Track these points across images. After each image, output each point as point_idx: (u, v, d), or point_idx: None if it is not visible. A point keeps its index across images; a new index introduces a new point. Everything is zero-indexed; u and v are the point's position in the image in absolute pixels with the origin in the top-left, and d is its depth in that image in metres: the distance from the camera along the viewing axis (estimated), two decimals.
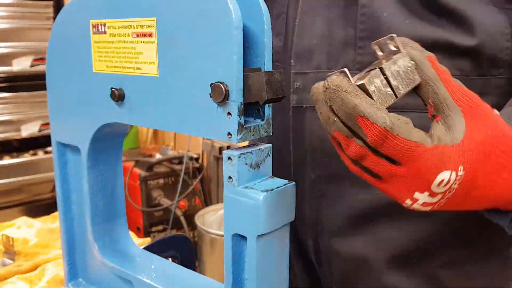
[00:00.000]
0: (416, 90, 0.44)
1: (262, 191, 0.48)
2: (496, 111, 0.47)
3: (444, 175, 0.41)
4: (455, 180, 0.42)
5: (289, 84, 0.70)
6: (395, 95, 0.43)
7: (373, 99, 0.41)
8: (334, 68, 0.65)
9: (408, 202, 0.43)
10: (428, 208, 0.44)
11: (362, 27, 0.62)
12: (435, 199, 0.43)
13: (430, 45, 0.47)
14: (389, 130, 0.40)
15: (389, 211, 0.65)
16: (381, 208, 0.66)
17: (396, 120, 0.41)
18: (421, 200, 0.43)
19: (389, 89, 0.43)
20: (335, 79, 0.42)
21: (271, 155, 0.52)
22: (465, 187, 0.44)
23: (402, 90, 0.43)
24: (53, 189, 2.64)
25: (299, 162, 0.72)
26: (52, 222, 1.31)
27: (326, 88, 0.42)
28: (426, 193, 0.42)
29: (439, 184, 0.42)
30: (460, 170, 0.42)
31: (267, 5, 0.53)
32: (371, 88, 0.42)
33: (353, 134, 0.42)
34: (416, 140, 0.41)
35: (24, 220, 1.31)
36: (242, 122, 0.48)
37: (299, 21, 0.69)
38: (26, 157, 2.74)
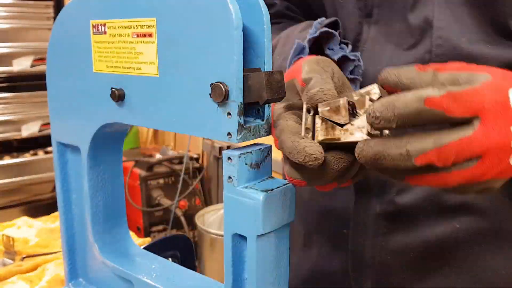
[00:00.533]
0: None
1: (262, 191, 0.48)
2: None
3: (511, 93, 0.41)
4: None
5: None
6: None
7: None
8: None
9: None
10: None
11: (439, 51, 0.60)
12: None
13: None
14: (452, 91, 0.40)
15: (470, 243, 0.63)
16: (461, 240, 0.63)
17: (444, 86, 0.40)
18: None
19: None
20: (378, 103, 0.41)
21: (271, 155, 0.52)
22: None
23: None
24: (53, 189, 2.64)
25: (362, 194, 0.69)
26: (52, 222, 1.31)
27: (379, 115, 0.41)
28: None
29: None
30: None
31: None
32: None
33: (436, 137, 0.41)
34: (470, 86, 0.40)
35: (24, 220, 1.31)
36: (242, 122, 0.48)
37: (367, 48, 0.68)
38: (26, 157, 2.75)
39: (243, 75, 0.47)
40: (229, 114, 0.48)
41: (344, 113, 0.43)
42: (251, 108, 0.51)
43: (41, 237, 1.20)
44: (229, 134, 0.48)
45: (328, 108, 0.44)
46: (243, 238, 0.50)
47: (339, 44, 0.67)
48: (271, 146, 0.52)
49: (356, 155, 0.43)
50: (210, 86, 0.48)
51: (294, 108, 0.52)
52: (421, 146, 0.40)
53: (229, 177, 0.49)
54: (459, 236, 0.64)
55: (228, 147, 2.28)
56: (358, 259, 0.71)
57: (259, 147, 0.51)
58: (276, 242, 0.51)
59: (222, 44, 0.46)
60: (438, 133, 0.41)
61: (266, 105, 0.51)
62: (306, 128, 0.45)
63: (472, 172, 0.42)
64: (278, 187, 0.49)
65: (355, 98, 0.43)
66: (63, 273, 0.79)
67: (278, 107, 0.52)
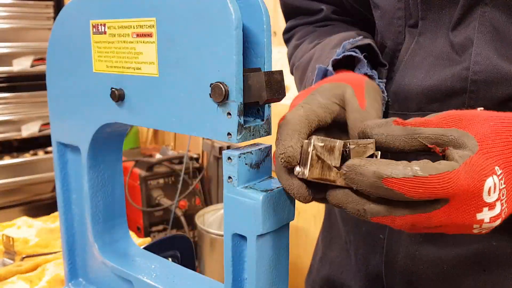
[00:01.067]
0: (413, 150, 0.45)
1: (262, 191, 0.48)
2: (480, 108, 0.49)
3: (489, 183, 0.42)
4: (499, 181, 0.42)
5: None
6: None
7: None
8: (441, 110, 0.59)
9: (476, 226, 0.43)
10: (498, 222, 0.43)
11: (477, 69, 0.58)
12: (496, 209, 0.43)
13: None
14: (419, 177, 0.40)
15: (507, 263, 0.62)
16: (497, 259, 0.63)
17: (417, 164, 0.40)
18: (486, 217, 0.43)
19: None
20: (350, 162, 0.42)
21: (271, 155, 0.52)
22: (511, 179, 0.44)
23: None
24: (53, 189, 2.64)
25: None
26: (52, 222, 1.31)
27: (344, 173, 0.42)
28: (485, 208, 0.42)
29: (489, 193, 0.42)
30: (498, 170, 0.42)
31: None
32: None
33: (391, 208, 0.42)
34: (445, 170, 0.40)
35: (24, 220, 1.31)
36: (242, 122, 0.48)
37: (406, 59, 0.66)
38: (26, 157, 2.75)
39: (243, 75, 0.47)
40: (229, 114, 0.48)
41: (337, 155, 0.43)
42: (251, 108, 0.51)
43: (41, 237, 1.20)
44: (229, 134, 0.48)
45: (322, 144, 0.44)
46: (243, 238, 0.50)
47: (372, 68, 0.66)
48: (271, 146, 0.52)
49: (326, 196, 0.46)
50: (210, 86, 0.48)
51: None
52: (376, 210, 0.43)
53: (229, 177, 0.49)
54: (495, 254, 0.63)
55: (228, 147, 2.29)
56: (391, 265, 0.70)
57: (259, 147, 0.51)
58: (276, 242, 0.51)
59: (222, 44, 0.46)
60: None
61: (266, 105, 0.51)
62: (302, 164, 0.45)
63: (430, 231, 0.45)
64: (278, 187, 0.49)
65: (351, 146, 0.44)
66: (63, 273, 0.79)
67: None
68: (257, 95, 0.47)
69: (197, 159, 2.54)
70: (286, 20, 0.91)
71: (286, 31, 0.90)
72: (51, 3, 2.74)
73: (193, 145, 2.69)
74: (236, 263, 0.51)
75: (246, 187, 0.49)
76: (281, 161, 0.45)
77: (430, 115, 0.46)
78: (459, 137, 0.44)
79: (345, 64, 0.65)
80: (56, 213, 1.33)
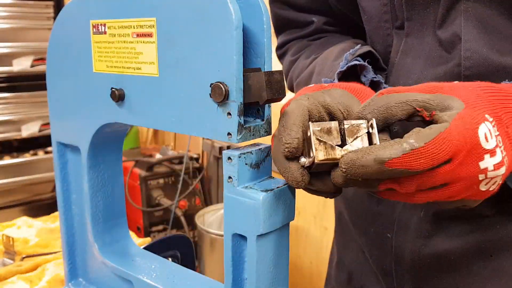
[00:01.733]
0: (403, 119, 0.46)
1: (262, 191, 0.48)
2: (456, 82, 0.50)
3: (483, 129, 0.42)
4: (492, 127, 0.43)
5: None
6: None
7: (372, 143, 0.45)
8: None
9: (482, 177, 0.44)
10: (503, 170, 0.44)
11: (468, 64, 0.59)
12: (498, 156, 0.43)
13: None
14: (416, 149, 0.41)
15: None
16: (500, 241, 0.63)
17: (410, 136, 0.42)
18: (489, 165, 0.43)
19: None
20: (344, 157, 0.43)
21: (270, 155, 0.52)
22: (502, 127, 0.44)
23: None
24: (53, 189, 2.65)
25: None
26: (52, 222, 1.31)
27: (345, 170, 0.43)
28: (487, 156, 0.43)
29: (486, 139, 0.42)
30: (489, 117, 0.43)
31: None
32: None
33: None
34: (438, 131, 0.41)
35: (24, 220, 1.31)
36: (242, 122, 0.48)
37: (398, 61, 0.66)
38: (26, 157, 2.75)
39: (243, 75, 0.47)
40: (229, 114, 0.48)
41: (336, 134, 0.45)
42: (251, 108, 0.51)
43: (41, 237, 1.20)
44: (229, 134, 0.48)
45: (319, 128, 0.45)
46: (243, 238, 0.50)
47: (376, 72, 0.66)
48: (270, 146, 0.52)
49: (331, 177, 0.46)
50: (210, 86, 0.48)
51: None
52: (390, 154, 0.42)
53: (229, 177, 0.49)
54: (501, 240, 0.63)
55: (228, 147, 2.28)
56: (399, 263, 0.71)
57: (259, 147, 0.51)
58: (276, 242, 0.51)
59: (222, 44, 0.46)
60: None
61: (266, 105, 0.51)
62: (308, 151, 0.46)
63: (438, 194, 0.45)
64: (278, 187, 0.49)
65: (346, 125, 0.46)
66: (63, 273, 0.79)
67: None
68: (257, 95, 0.47)
69: (197, 159, 2.54)
70: (277, 34, 0.89)
71: (278, 47, 0.90)
72: (51, 3, 2.74)
73: (193, 145, 2.69)
74: (236, 263, 0.51)
75: (246, 187, 0.49)
76: (284, 151, 0.46)
77: (408, 86, 0.47)
78: (444, 100, 0.45)
79: (348, 74, 0.65)
80: (56, 213, 1.33)
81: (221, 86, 0.47)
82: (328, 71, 0.68)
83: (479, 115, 0.43)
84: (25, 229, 1.27)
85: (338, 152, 0.45)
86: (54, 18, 2.73)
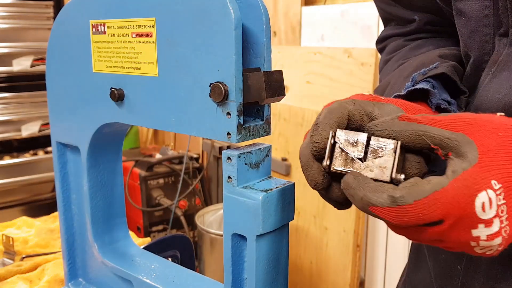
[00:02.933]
0: (417, 148, 0.44)
1: (261, 191, 0.48)
2: (500, 113, 0.45)
3: (482, 198, 0.39)
4: (496, 196, 0.40)
5: None
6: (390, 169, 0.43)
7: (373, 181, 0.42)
8: None
9: (474, 244, 0.41)
10: (498, 240, 0.41)
11: None
12: (495, 227, 0.40)
13: None
14: (403, 205, 0.39)
15: None
16: None
17: (405, 189, 0.40)
18: (482, 235, 0.40)
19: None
20: (344, 177, 0.43)
21: (270, 155, 0.52)
22: None
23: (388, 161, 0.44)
24: (53, 189, 2.64)
25: None
26: (52, 222, 1.31)
27: (342, 187, 0.43)
28: (481, 225, 0.40)
29: (483, 209, 0.39)
30: (495, 184, 0.40)
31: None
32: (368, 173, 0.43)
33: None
34: (432, 191, 0.39)
35: (24, 220, 1.31)
36: (242, 122, 0.48)
37: (494, 72, 0.59)
38: (26, 157, 2.75)
39: (243, 75, 0.47)
40: (228, 114, 0.47)
41: (360, 148, 0.43)
42: (251, 108, 0.51)
43: (40, 237, 1.20)
44: (228, 134, 0.48)
45: (346, 136, 0.44)
46: (243, 238, 0.50)
47: (456, 93, 0.62)
48: (270, 146, 0.52)
49: (342, 181, 0.44)
50: (210, 86, 0.48)
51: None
52: (377, 201, 0.41)
53: (229, 177, 0.49)
54: None
55: (228, 147, 2.29)
56: None
57: (259, 147, 0.51)
58: (275, 242, 0.51)
59: (222, 44, 0.46)
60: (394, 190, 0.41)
61: (266, 105, 0.51)
62: (327, 155, 0.45)
63: (432, 243, 0.43)
64: (277, 187, 0.49)
65: (372, 142, 0.44)
66: (62, 273, 0.79)
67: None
68: (257, 95, 0.47)
69: (197, 159, 2.54)
70: (384, 25, 0.86)
71: (379, 41, 0.86)
72: (51, 3, 2.74)
73: (193, 145, 2.69)
74: (235, 263, 0.51)
75: (246, 187, 0.49)
76: (312, 149, 0.45)
77: (440, 115, 0.44)
78: (462, 144, 0.41)
79: (418, 91, 0.61)
80: (56, 213, 1.33)
81: (221, 86, 0.47)
82: (398, 88, 0.64)
83: (484, 180, 0.39)
84: (25, 229, 1.27)
85: (357, 166, 0.44)
86: (54, 18, 2.73)
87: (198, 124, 0.51)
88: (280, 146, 2.16)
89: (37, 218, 1.34)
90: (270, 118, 0.52)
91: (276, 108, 2.10)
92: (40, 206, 2.77)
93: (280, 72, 0.49)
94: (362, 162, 0.43)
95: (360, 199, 0.41)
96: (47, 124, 2.66)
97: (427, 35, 0.79)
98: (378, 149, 0.43)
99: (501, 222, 0.40)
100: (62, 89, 0.69)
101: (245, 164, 0.49)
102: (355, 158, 0.44)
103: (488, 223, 0.40)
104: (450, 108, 0.60)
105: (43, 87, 0.79)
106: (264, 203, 0.47)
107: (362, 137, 0.44)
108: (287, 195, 0.50)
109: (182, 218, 2.34)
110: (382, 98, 0.51)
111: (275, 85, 0.48)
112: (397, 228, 0.43)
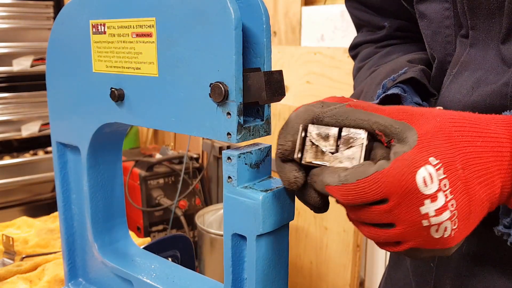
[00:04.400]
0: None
1: (261, 191, 0.48)
2: (439, 107, 0.47)
3: (421, 173, 0.41)
4: (436, 171, 0.41)
5: None
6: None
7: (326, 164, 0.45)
8: None
9: (425, 223, 0.42)
10: (447, 214, 0.42)
11: None
12: (440, 201, 0.41)
13: None
14: (346, 183, 0.42)
15: None
16: None
17: (351, 169, 0.42)
18: (430, 210, 0.41)
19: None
20: (313, 170, 0.46)
21: (270, 155, 0.52)
22: (453, 170, 0.42)
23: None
24: (53, 189, 2.65)
25: None
26: (52, 222, 1.31)
27: (308, 180, 0.47)
28: (427, 201, 0.41)
29: (425, 184, 0.41)
30: (434, 160, 0.41)
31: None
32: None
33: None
34: (373, 171, 0.41)
35: (24, 220, 1.31)
36: (242, 122, 0.48)
37: (456, 72, 0.60)
38: (26, 157, 2.75)
39: (243, 75, 0.47)
40: (228, 114, 0.48)
41: (332, 142, 0.45)
42: (251, 108, 0.51)
43: (40, 237, 1.20)
44: (228, 134, 0.48)
45: (317, 132, 0.45)
46: (243, 238, 0.50)
47: (426, 96, 0.63)
48: (270, 146, 0.52)
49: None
50: (210, 86, 0.48)
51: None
52: (328, 181, 0.44)
53: (229, 177, 0.49)
54: None
55: (228, 147, 2.28)
56: None
57: (259, 147, 0.51)
58: (275, 242, 0.51)
59: (222, 44, 0.46)
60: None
61: (266, 105, 0.51)
62: (298, 148, 0.46)
63: (384, 233, 0.44)
64: (277, 187, 0.49)
65: (343, 133, 0.45)
66: (62, 273, 0.79)
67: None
68: (257, 95, 0.47)
69: (197, 159, 2.54)
70: (356, 32, 0.88)
71: (351, 48, 0.88)
72: (51, 3, 2.74)
73: (193, 145, 2.69)
74: (236, 263, 0.51)
75: (246, 187, 0.49)
76: (277, 152, 0.47)
77: (384, 107, 0.46)
78: (403, 131, 0.43)
79: (393, 96, 0.63)
80: (56, 213, 1.33)
81: (221, 86, 0.47)
82: (370, 96, 0.66)
83: (422, 158, 0.41)
84: (25, 229, 1.27)
85: (327, 158, 0.45)
86: (54, 18, 2.73)
87: (198, 124, 0.51)
88: None
89: (37, 218, 1.34)
90: (270, 118, 0.52)
91: (276, 108, 2.10)
92: (40, 206, 2.77)
93: (280, 72, 0.49)
94: (332, 154, 0.45)
95: (320, 181, 0.44)
96: (47, 124, 2.66)
97: (397, 41, 0.80)
98: (349, 140, 0.45)
99: (446, 196, 0.41)
100: (62, 89, 0.69)
101: (245, 164, 0.49)
102: (325, 151, 0.45)
103: (433, 197, 0.41)
104: None
105: (43, 87, 0.79)
106: (264, 203, 0.47)
107: (333, 131, 0.45)
108: (287, 195, 0.50)
109: (182, 218, 2.34)
110: (354, 100, 0.52)
111: (275, 85, 0.48)
112: (349, 211, 0.45)
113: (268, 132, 0.52)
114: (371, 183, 0.41)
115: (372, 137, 0.45)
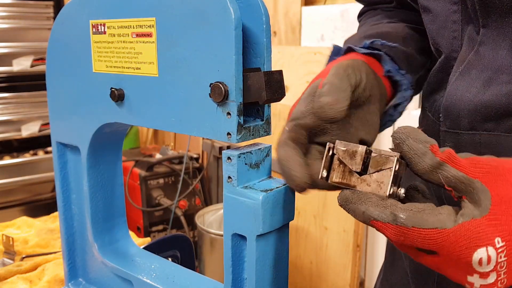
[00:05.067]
0: (430, 181, 0.43)
1: (261, 191, 0.48)
2: None
3: (480, 253, 0.39)
4: (497, 254, 0.39)
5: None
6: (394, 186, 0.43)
7: (380, 196, 0.42)
8: (496, 130, 0.55)
9: (468, 286, 0.41)
10: (494, 286, 0.40)
11: None
12: (490, 279, 0.39)
13: None
14: (402, 226, 0.40)
15: None
16: None
17: (409, 211, 0.40)
18: (476, 283, 0.40)
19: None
20: (341, 193, 0.43)
21: (270, 155, 0.52)
22: None
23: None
24: (53, 189, 2.64)
25: None
26: (52, 222, 1.31)
27: (340, 204, 0.44)
28: (476, 275, 0.39)
29: (480, 264, 0.39)
30: (499, 242, 0.39)
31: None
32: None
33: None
34: (434, 226, 0.39)
35: (24, 220, 1.31)
36: (242, 122, 0.48)
37: (462, 70, 0.57)
38: (26, 157, 2.75)
39: (243, 75, 0.47)
40: (228, 114, 0.47)
41: (359, 160, 0.43)
42: (251, 108, 0.51)
43: (40, 237, 1.20)
44: (228, 134, 0.48)
45: (344, 148, 0.44)
46: (243, 238, 0.50)
47: (405, 72, 0.62)
48: (270, 146, 0.52)
49: (338, 197, 0.45)
50: (210, 86, 0.48)
51: (303, 130, 0.49)
52: (379, 216, 0.41)
53: (229, 177, 0.49)
54: None
55: (228, 147, 2.28)
56: None
57: (259, 147, 0.51)
58: (275, 242, 0.51)
59: (222, 44, 0.46)
60: (398, 208, 0.41)
61: (266, 105, 0.51)
62: (323, 167, 0.45)
63: (429, 261, 0.43)
64: (277, 187, 0.49)
65: (373, 154, 0.43)
66: (62, 273, 0.79)
67: (285, 130, 0.50)
68: (257, 95, 0.47)
69: (197, 159, 2.54)
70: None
71: (358, 15, 0.84)
72: (51, 3, 2.74)
73: (193, 145, 2.69)
74: (236, 263, 0.51)
75: (246, 187, 0.49)
76: (321, 111, 0.47)
77: (464, 154, 0.43)
78: (477, 192, 0.40)
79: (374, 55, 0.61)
80: (56, 213, 1.33)
81: (221, 86, 0.47)
82: (354, 43, 0.63)
83: (488, 236, 0.39)
84: (25, 229, 1.27)
85: (354, 179, 0.44)
86: (54, 18, 2.73)
87: (198, 124, 0.51)
88: None
89: (37, 218, 1.33)
90: (270, 118, 0.52)
91: (276, 108, 2.10)
92: (40, 206, 2.77)
93: (280, 72, 0.49)
94: (360, 175, 0.43)
95: (362, 213, 0.42)
96: (47, 124, 2.66)
97: (404, 8, 0.76)
98: (379, 161, 0.43)
99: (499, 275, 0.40)
100: (62, 89, 0.69)
101: (245, 164, 0.49)
102: (352, 171, 0.44)
103: (484, 275, 0.39)
104: (402, 81, 0.59)
105: (43, 87, 0.79)
106: (264, 203, 0.47)
107: (361, 149, 0.43)
108: (287, 195, 0.50)
109: (182, 218, 2.34)
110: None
111: (275, 85, 0.48)
112: (397, 245, 0.43)
113: (268, 132, 0.52)
114: (427, 237, 0.39)
115: (403, 159, 0.43)
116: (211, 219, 2.26)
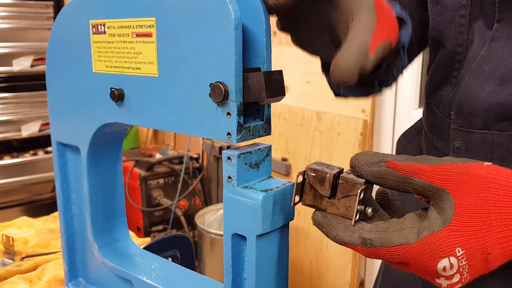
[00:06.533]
0: (403, 191, 0.46)
1: (261, 191, 0.48)
2: (487, 163, 0.43)
3: (444, 263, 0.42)
4: (458, 260, 0.41)
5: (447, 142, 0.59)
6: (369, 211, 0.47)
7: (351, 218, 0.45)
8: (509, 130, 0.54)
9: (437, 285, 0.44)
10: (459, 285, 0.43)
11: None
12: (454, 279, 0.43)
13: None
14: (370, 247, 0.43)
15: None
16: None
17: (375, 232, 0.43)
18: (443, 284, 0.43)
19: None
20: (313, 215, 0.47)
21: (270, 155, 0.52)
22: (477, 258, 0.42)
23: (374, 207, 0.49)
24: (53, 189, 2.64)
25: None
26: (52, 222, 1.31)
27: (314, 225, 0.48)
28: (442, 278, 0.43)
29: (444, 270, 0.42)
30: (459, 251, 0.41)
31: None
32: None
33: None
34: (399, 243, 0.42)
35: (24, 220, 1.31)
36: (242, 122, 0.48)
37: (475, 67, 0.56)
38: (26, 157, 2.75)
39: (243, 75, 0.47)
40: (228, 114, 0.48)
41: (327, 186, 0.46)
42: (251, 108, 0.51)
43: (40, 237, 1.20)
44: (228, 134, 0.48)
45: (314, 174, 0.47)
46: (243, 238, 0.50)
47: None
48: (270, 146, 0.52)
49: (312, 219, 0.48)
50: (210, 86, 0.48)
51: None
52: (349, 240, 0.45)
53: (229, 177, 0.49)
54: None
55: (228, 147, 2.29)
56: None
57: (259, 147, 0.51)
58: (275, 242, 0.51)
59: (222, 44, 0.46)
60: (364, 228, 0.44)
61: (266, 105, 0.51)
62: (295, 193, 0.48)
63: (401, 268, 0.46)
64: (277, 187, 0.49)
65: (340, 181, 0.46)
66: (62, 273, 0.79)
67: None
68: (257, 95, 0.47)
69: (197, 159, 2.54)
70: None
71: None
72: (51, 3, 2.74)
73: (193, 145, 2.69)
74: (236, 263, 0.51)
75: (246, 187, 0.49)
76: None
77: (425, 160, 0.43)
78: (443, 200, 0.42)
79: None
80: (56, 213, 1.33)
81: (221, 86, 0.47)
82: None
83: (449, 247, 0.41)
84: (25, 229, 1.27)
85: (324, 203, 0.47)
86: (54, 18, 2.73)
87: (198, 124, 0.51)
88: (280, 146, 2.16)
89: (37, 218, 1.34)
90: (270, 118, 0.52)
91: (276, 108, 2.10)
92: (40, 206, 2.77)
93: (280, 72, 0.49)
94: (330, 198, 0.47)
95: (334, 237, 0.45)
96: (47, 124, 2.66)
97: None
98: (346, 187, 0.46)
99: (462, 275, 0.42)
100: (62, 89, 0.69)
101: (245, 164, 0.49)
102: (322, 195, 0.47)
103: (449, 277, 0.43)
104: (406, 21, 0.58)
105: (43, 87, 0.79)
106: (264, 203, 0.47)
107: (329, 176, 0.46)
108: (287, 195, 0.50)
109: (182, 218, 2.34)
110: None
111: (275, 85, 0.48)
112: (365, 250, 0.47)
113: (268, 132, 0.52)
114: (395, 254, 0.43)
115: (369, 183, 0.46)
116: (211, 219, 2.26)
